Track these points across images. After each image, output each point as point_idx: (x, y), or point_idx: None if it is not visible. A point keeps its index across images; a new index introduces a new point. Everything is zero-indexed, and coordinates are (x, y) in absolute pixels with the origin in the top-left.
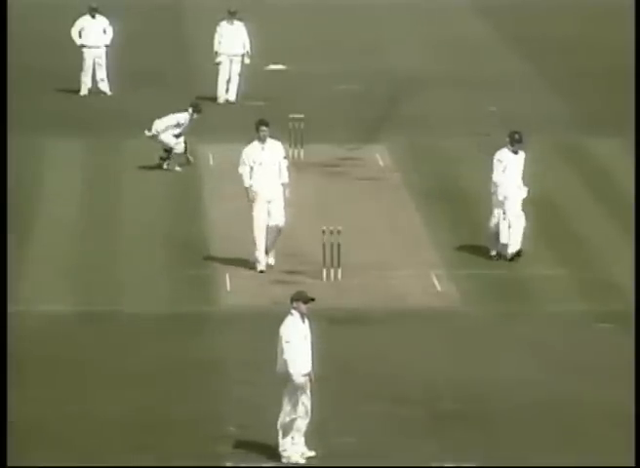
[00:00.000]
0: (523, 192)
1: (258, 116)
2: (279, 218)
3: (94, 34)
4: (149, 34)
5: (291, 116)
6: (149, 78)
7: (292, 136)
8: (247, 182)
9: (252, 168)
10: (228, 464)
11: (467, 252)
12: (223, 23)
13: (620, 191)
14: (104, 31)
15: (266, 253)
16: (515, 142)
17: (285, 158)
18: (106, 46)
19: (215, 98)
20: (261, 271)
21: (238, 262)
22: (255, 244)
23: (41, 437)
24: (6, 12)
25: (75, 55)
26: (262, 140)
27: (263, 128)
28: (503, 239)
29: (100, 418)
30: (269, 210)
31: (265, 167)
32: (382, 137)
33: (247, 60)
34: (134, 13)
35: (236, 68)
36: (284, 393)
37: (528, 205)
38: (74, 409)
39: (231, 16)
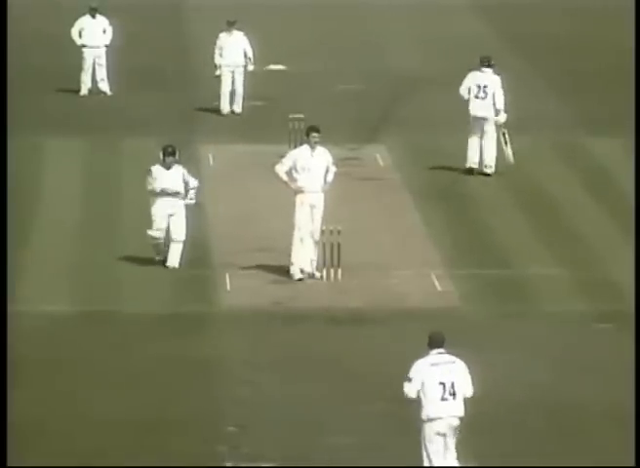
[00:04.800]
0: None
1: (258, 116)
2: (317, 227)
3: (94, 34)
4: (149, 34)
5: (291, 116)
6: (149, 78)
7: (292, 136)
8: (284, 177)
9: (297, 172)
10: (228, 464)
11: (467, 252)
12: (222, 35)
13: (620, 191)
14: (104, 31)
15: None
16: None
17: (334, 164)
18: (106, 46)
19: (218, 111)
20: (300, 279)
21: (238, 262)
22: (292, 248)
23: (41, 437)
24: (6, 12)
25: (75, 55)
26: (313, 147)
27: (315, 134)
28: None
29: (100, 418)
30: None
31: (313, 172)
32: (382, 137)
33: (250, 67)
34: (134, 13)
35: (239, 79)
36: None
37: (527, 205)
38: (74, 409)
39: (230, 26)
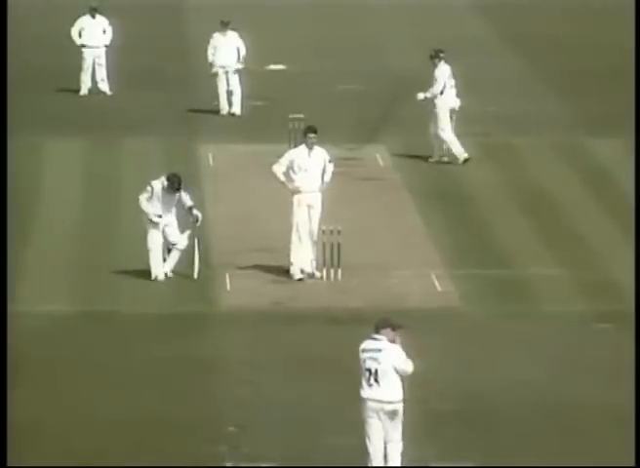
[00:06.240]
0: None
1: (258, 116)
2: (315, 227)
3: (94, 34)
4: (149, 34)
5: (291, 116)
6: (149, 78)
7: (292, 136)
8: (281, 177)
9: (295, 172)
10: (228, 464)
11: (467, 252)
12: (216, 35)
13: (620, 191)
14: (104, 31)
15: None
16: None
17: (331, 162)
18: (106, 46)
19: (217, 111)
20: (300, 279)
21: (238, 262)
22: (291, 248)
23: (41, 437)
24: (6, 12)
25: (75, 55)
26: (310, 147)
27: (312, 135)
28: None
29: (99, 418)
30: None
31: (310, 173)
32: (382, 137)
33: (239, 66)
34: (134, 13)
35: (234, 79)
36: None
37: (527, 205)
38: (74, 409)
39: (224, 26)
